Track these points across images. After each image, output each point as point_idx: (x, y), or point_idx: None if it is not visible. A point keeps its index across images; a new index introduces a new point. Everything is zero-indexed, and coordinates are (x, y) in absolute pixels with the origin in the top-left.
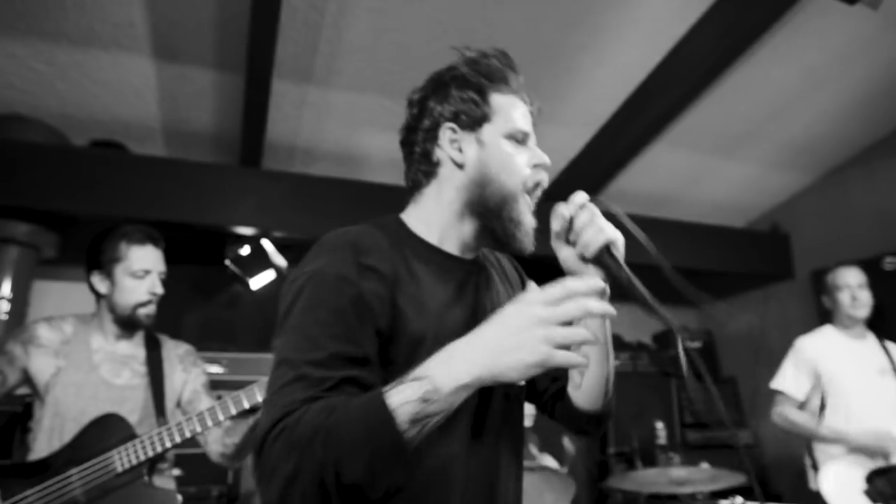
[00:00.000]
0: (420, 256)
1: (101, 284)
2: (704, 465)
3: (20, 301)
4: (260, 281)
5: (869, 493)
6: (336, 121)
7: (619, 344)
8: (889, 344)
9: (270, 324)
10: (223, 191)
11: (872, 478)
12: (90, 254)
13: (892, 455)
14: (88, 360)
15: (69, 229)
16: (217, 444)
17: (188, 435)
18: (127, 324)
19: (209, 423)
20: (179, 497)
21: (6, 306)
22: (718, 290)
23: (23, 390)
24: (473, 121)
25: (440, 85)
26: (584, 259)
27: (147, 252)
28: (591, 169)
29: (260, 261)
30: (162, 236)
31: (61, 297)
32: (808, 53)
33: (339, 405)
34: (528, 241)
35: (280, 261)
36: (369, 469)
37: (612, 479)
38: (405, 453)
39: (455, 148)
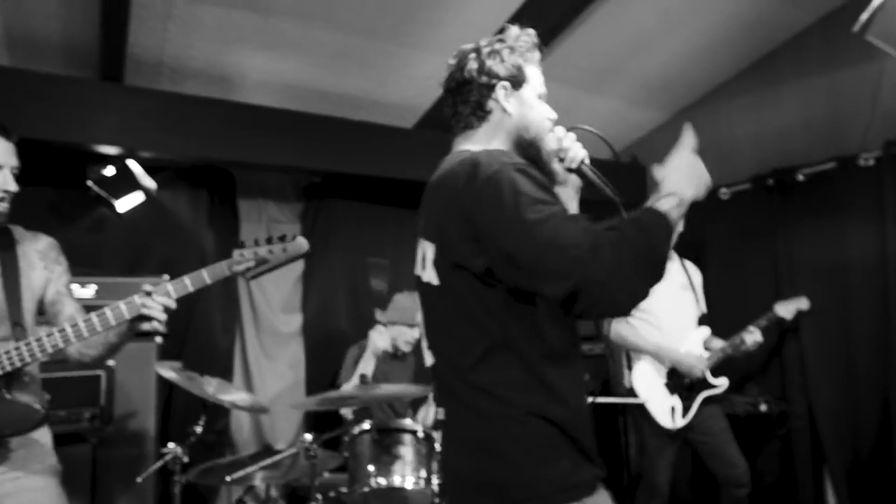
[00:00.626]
0: None
1: None
2: None
3: None
4: (126, 203)
5: (668, 386)
6: (205, 37)
7: None
8: (687, 263)
9: (140, 247)
10: (81, 107)
11: (672, 373)
12: None
13: (695, 374)
14: None
15: None
16: (74, 351)
17: (50, 350)
18: None
19: (72, 339)
20: (41, 409)
21: None
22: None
23: None
24: (517, 83)
25: (493, 52)
26: (568, 170)
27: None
28: None
29: (126, 182)
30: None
31: None
32: None
33: (630, 223)
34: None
35: (149, 182)
36: (667, 246)
37: None
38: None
39: (506, 100)
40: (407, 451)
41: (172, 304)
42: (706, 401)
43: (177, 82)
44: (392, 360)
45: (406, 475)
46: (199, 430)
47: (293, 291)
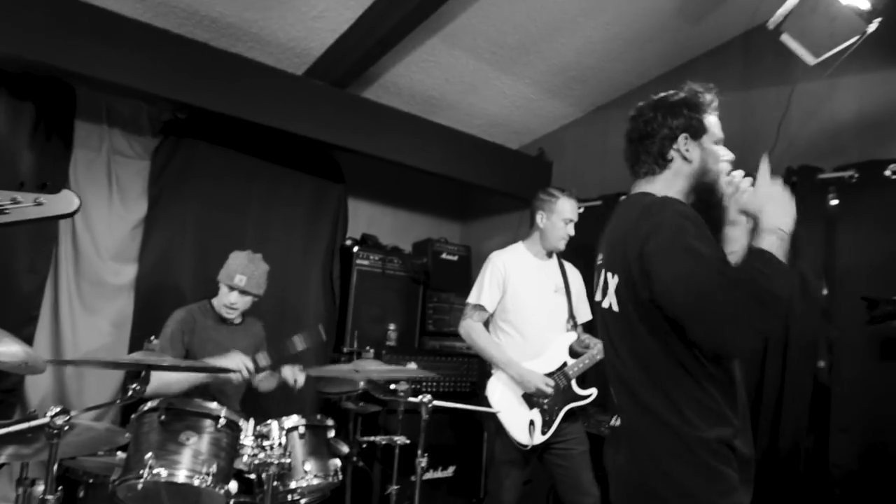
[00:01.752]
0: None
1: None
2: (411, 365)
3: None
4: None
5: (526, 398)
6: None
7: (373, 244)
8: (567, 265)
9: None
10: None
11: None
12: None
13: (545, 395)
14: None
15: None
16: None
17: None
18: None
19: None
20: None
21: None
22: (480, 206)
23: None
24: (697, 133)
25: (673, 106)
26: (741, 211)
27: None
28: (361, 46)
29: None
30: None
31: None
32: None
33: (744, 266)
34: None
35: None
36: (785, 288)
37: (314, 371)
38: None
39: (686, 150)
40: (201, 440)
41: None
42: (569, 416)
43: None
44: (224, 326)
45: (194, 469)
46: None
47: (130, 238)
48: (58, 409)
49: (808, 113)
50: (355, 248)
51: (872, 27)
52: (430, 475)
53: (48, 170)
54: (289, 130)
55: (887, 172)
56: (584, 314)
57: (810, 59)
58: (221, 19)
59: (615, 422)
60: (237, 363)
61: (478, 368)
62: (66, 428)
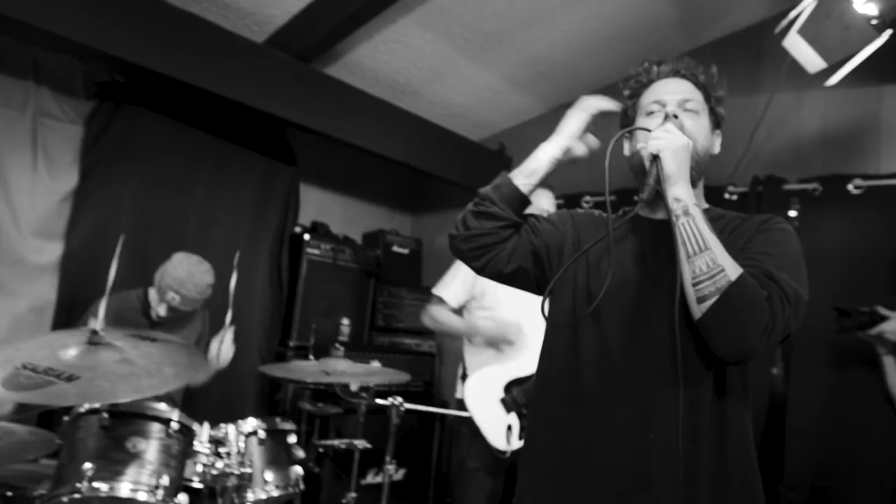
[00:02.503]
0: None
1: None
2: (375, 364)
3: None
4: None
5: (504, 402)
6: None
7: (325, 233)
8: None
9: None
10: None
11: (510, 387)
12: None
13: (515, 341)
14: None
15: None
16: None
17: None
18: None
19: None
20: None
21: None
22: (433, 199)
23: None
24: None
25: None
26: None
27: None
28: (331, 18)
29: None
30: None
31: None
32: None
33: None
34: None
35: None
36: None
37: (271, 369)
38: None
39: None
40: (149, 446)
41: None
42: None
43: None
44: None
45: (141, 481)
46: None
47: (56, 213)
48: None
49: (776, 124)
50: (306, 237)
51: (884, 38)
52: (378, 479)
53: None
54: (242, 102)
55: (850, 187)
56: None
57: (812, 67)
58: None
59: None
60: None
61: (429, 367)
62: None
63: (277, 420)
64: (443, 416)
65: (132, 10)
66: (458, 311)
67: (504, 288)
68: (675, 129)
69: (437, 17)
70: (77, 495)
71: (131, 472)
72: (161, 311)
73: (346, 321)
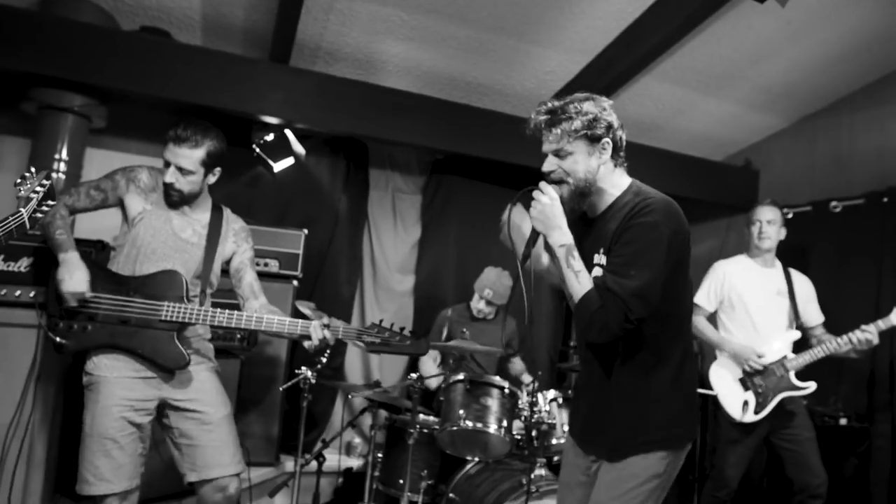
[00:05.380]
0: None
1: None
2: None
3: (75, 164)
4: (281, 165)
5: (742, 381)
6: (358, 28)
7: None
8: (793, 272)
9: (285, 203)
10: (254, 82)
11: (753, 374)
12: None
13: (753, 364)
14: (168, 213)
15: (117, 104)
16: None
17: (217, 323)
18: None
19: (243, 326)
20: (188, 358)
21: (63, 167)
22: (689, 216)
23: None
24: None
25: None
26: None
27: (171, 147)
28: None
29: (282, 148)
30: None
31: (107, 163)
32: (787, 7)
33: None
34: None
35: (299, 149)
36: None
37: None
38: None
39: None
40: (493, 402)
41: (330, 342)
42: (791, 404)
43: (331, 65)
44: (481, 322)
45: (490, 422)
46: (324, 360)
47: (409, 255)
48: (415, 375)
49: None
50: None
51: None
52: None
53: (355, 208)
54: (523, 164)
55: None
56: (813, 316)
57: None
58: (473, 82)
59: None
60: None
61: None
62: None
63: (569, 391)
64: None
65: (447, 114)
66: (714, 313)
67: (747, 294)
68: (541, 194)
69: (672, 71)
70: (455, 427)
71: (484, 415)
72: (480, 305)
73: None
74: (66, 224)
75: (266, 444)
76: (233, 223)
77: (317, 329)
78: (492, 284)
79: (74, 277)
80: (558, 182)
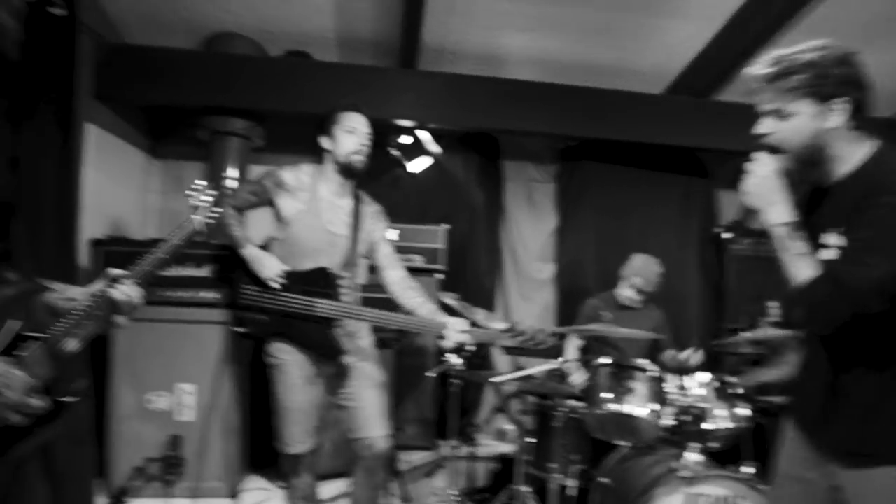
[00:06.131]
0: None
1: (326, 143)
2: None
3: (240, 181)
4: (417, 165)
5: None
6: (480, 24)
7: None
8: None
9: (425, 201)
10: (386, 89)
11: None
12: (319, 125)
13: None
14: (317, 207)
15: (272, 123)
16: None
17: (366, 320)
18: (346, 170)
19: (390, 325)
20: (344, 350)
21: (233, 184)
22: None
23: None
24: None
25: None
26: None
27: (355, 116)
28: (719, 61)
29: (418, 148)
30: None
31: None
32: None
33: None
34: None
35: (434, 148)
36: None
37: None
38: None
39: None
40: (640, 386)
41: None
42: None
43: (456, 64)
44: (628, 311)
45: (636, 405)
46: (472, 348)
47: (547, 244)
48: (562, 359)
49: None
50: (726, 235)
51: None
52: None
53: (491, 200)
54: (656, 142)
55: None
56: None
57: None
58: (599, 65)
59: None
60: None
61: None
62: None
63: (724, 376)
64: None
65: (575, 99)
66: None
67: None
68: (757, 163)
69: (821, 25)
70: (601, 411)
71: (631, 399)
72: (629, 293)
73: (772, 304)
74: (238, 221)
75: (422, 429)
76: (370, 205)
77: (454, 333)
78: (640, 272)
79: (266, 265)
80: (776, 150)
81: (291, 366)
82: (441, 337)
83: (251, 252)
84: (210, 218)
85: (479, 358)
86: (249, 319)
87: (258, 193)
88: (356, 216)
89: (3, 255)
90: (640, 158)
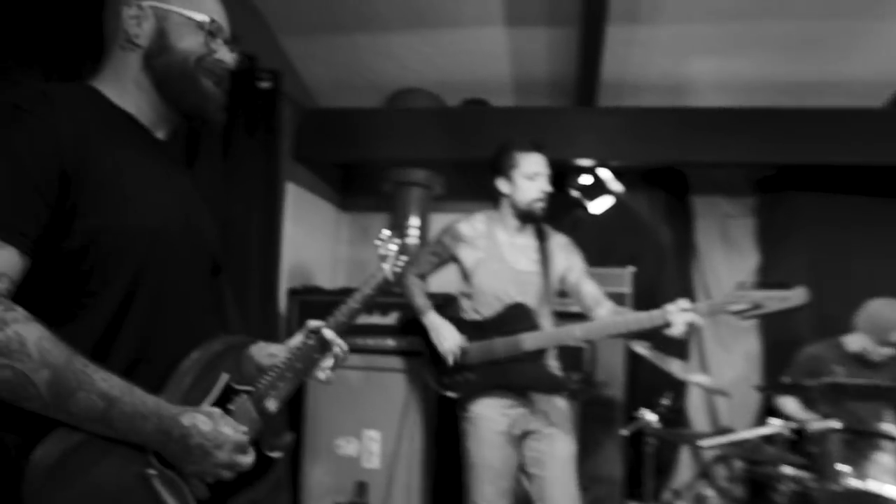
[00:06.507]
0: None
1: (504, 187)
2: None
3: (422, 230)
4: (599, 206)
5: None
6: (662, 53)
7: None
8: None
9: (608, 242)
10: (563, 129)
11: None
12: (493, 165)
13: None
14: (499, 252)
15: (450, 172)
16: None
17: (577, 338)
18: (526, 217)
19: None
20: (560, 376)
21: (414, 233)
22: None
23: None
24: None
25: None
26: None
27: (535, 157)
28: None
29: (598, 188)
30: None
31: None
32: None
33: None
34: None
35: (616, 187)
36: None
37: None
38: None
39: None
40: (885, 457)
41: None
42: None
43: (637, 97)
44: (865, 365)
45: (884, 481)
46: (667, 402)
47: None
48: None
49: None
50: None
51: None
52: None
53: (680, 239)
54: (879, 163)
55: None
56: None
57: None
58: (800, 81)
59: None
60: None
61: None
62: None
63: None
64: None
65: (773, 123)
66: None
67: None
68: None
69: None
70: (839, 488)
71: (875, 473)
72: (867, 344)
73: None
74: (420, 289)
75: (609, 489)
76: (556, 238)
77: (678, 315)
78: (886, 321)
79: (445, 337)
80: None
81: (488, 421)
82: (666, 325)
83: (432, 320)
84: (398, 266)
85: (674, 412)
86: (457, 382)
87: (439, 253)
88: (543, 252)
89: (213, 310)
90: (857, 184)
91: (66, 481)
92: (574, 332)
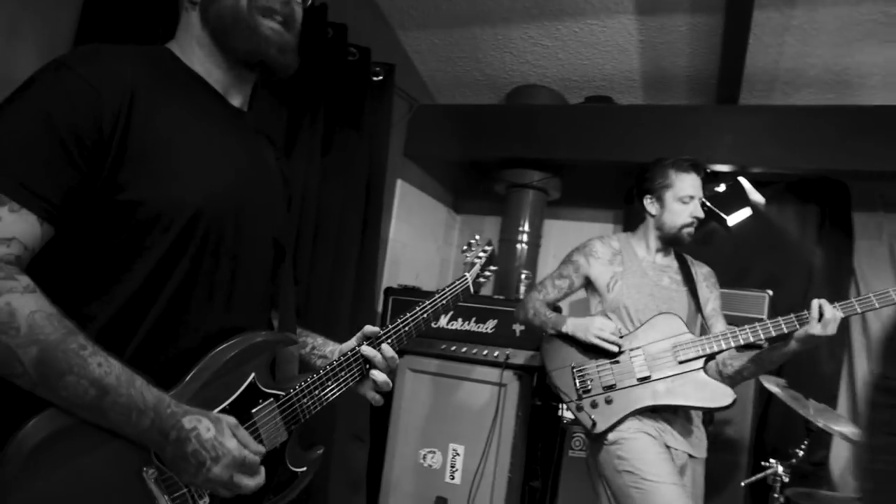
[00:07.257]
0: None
1: (651, 206)
2: None
3: (535, 235)
4: (736, 218)
5: None
6: (824, 41)
7: None
8: None
9: (745, 261)
10: (698, 130)
11: None
12: (641, 180)
13: None
14: (639, 266)
15: (568, 174)
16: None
17: (737, 343)
18: (671, 241)
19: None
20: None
21: (526, 238)
22: None
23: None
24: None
25: None
26: None
27: (692, 180)
28: None
29: (737, 198)
30: (704, 165)
31: (562, 233)
32: None
33: None
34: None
35: (757, 197)
36: None
37: None
38: None
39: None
40: None
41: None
42: None
43: (789, 94)
44: None
45: None
46: (801, 453)
47: None
48: None
49: None
50: None
51: None
52: None
53: (833, 262)
54: None
55: None
56: None
57: None
58: None
59: None
60: None
61: None
62: None
63: None
64: None
65: None
66: None
67: None
68: None
69: None
70: None
71: None
72: None
73: None
74: (542, 304)
75: None
76: (699, 267)
77: (826, 308)
78: None
79: (596, 324)
80: None
81: (638, 441)
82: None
83: (573, 323)
84: (483, 277)
85: (810, 464)
86: (592, 406)
87: (570, 275)
88: (687, 275)
89: (263, 297)
90: None
91: (48, 466)
92: (736, 335)
